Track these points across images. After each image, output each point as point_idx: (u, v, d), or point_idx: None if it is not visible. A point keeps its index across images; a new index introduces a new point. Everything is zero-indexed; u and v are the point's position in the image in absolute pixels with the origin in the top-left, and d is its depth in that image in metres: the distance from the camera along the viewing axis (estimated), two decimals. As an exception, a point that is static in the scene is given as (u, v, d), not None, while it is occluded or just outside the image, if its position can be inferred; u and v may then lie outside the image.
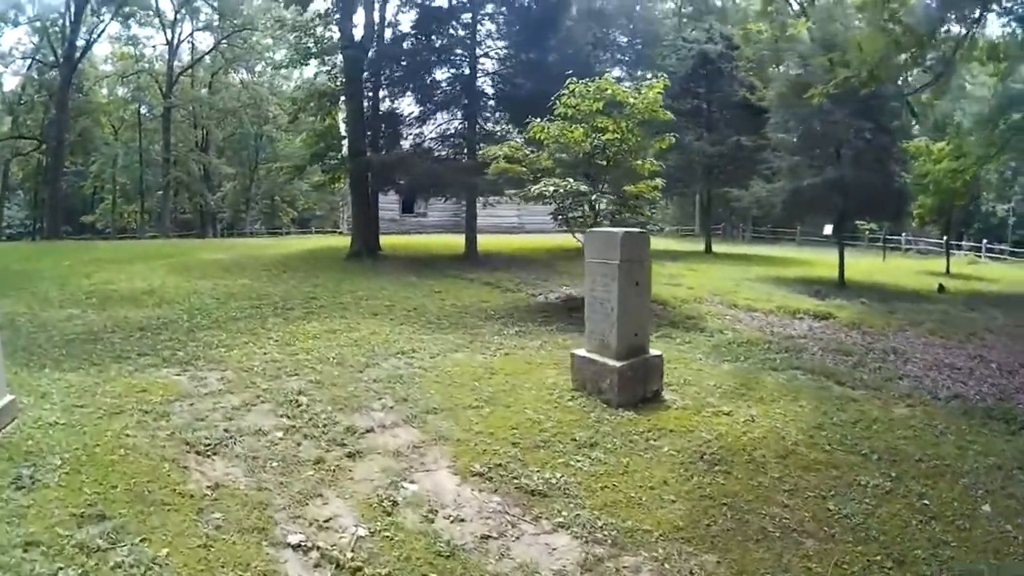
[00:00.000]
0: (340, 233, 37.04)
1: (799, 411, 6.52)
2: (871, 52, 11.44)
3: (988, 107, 19.26)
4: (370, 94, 19.57)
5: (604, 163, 11.39)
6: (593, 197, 10.59)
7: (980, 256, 30.67)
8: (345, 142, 20.92)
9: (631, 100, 10.96)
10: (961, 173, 17.23)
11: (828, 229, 34.68)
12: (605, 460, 5.17)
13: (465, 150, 19.31)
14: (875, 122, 16.82)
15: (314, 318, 9.80)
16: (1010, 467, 5.54)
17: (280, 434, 5.37)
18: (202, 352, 7.61)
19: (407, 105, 19.78)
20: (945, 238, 32.67)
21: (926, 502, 4.84)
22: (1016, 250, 31.83)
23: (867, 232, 34.24)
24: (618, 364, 6.27)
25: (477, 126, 19.39)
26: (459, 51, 19.19)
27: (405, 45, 19.03)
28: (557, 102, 11.33)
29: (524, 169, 11.57)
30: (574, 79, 11.19)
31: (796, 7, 22.86)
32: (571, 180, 10.44)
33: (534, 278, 14.96)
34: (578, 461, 5.13)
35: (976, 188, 20.22)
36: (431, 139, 19.38)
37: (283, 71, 41.57)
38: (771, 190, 18.71)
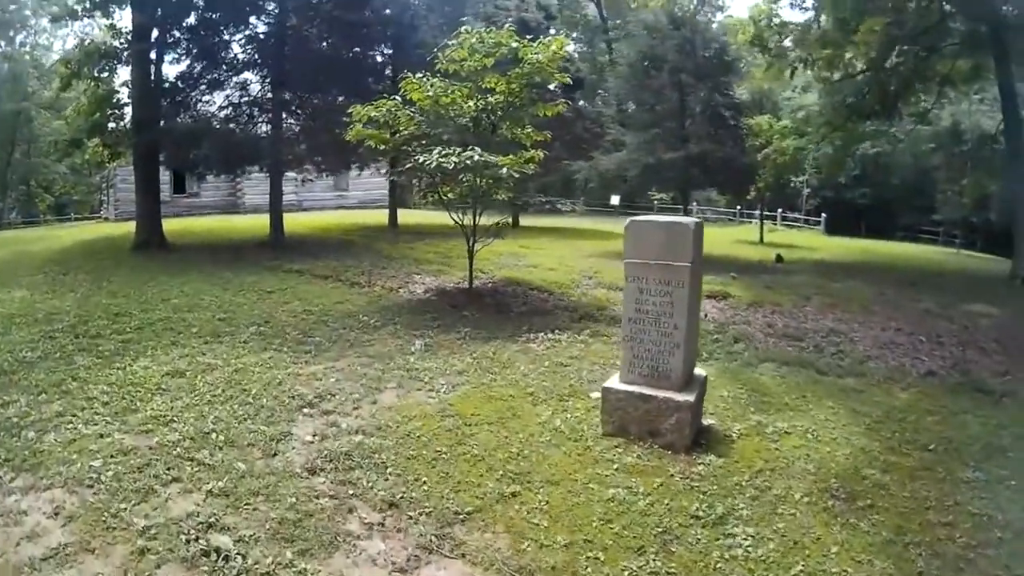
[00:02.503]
0: (104, 219, 35.09)
1: (834, 413, 6.59)
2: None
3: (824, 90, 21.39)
4: (162, 54, 17.91)
5: (489, 130, 10.64)
6: (503, 171, 9.50)
7: (776, 224, 34.49)
8: (128, 111, 18.62)
9: (533, 56, 10.05)
10: (802, 150, 18.70)
11: (615, 200, 37.66)
12: (756, 534, 4.31)
13: (268, 119, 17.80)
14: (723, 98, 18.17)
15: (138, 350, 8.01)
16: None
17: None
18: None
19: (201, 68, 18.05)
20: (739, 207, 36.73)
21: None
22: (810, 218, 36.95)
23: (657, 201, 37.17)
24: (683, 398, 5.42)
25: (287, 94, 17.73)
26: (263, 3, 17.75)
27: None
28: (438, 56, 10.48)
29: (388, 137, 10.58)
30: (467, 28, 10.37)
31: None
32: (476, 149, 9.36)
33: (371, 266, 13.91)
34: (733, 548, 4.17)
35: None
36: (228, 107, 18.12)
37: (45, 40, 40.88)
38: (620, 162, 19.13)
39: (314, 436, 5.60)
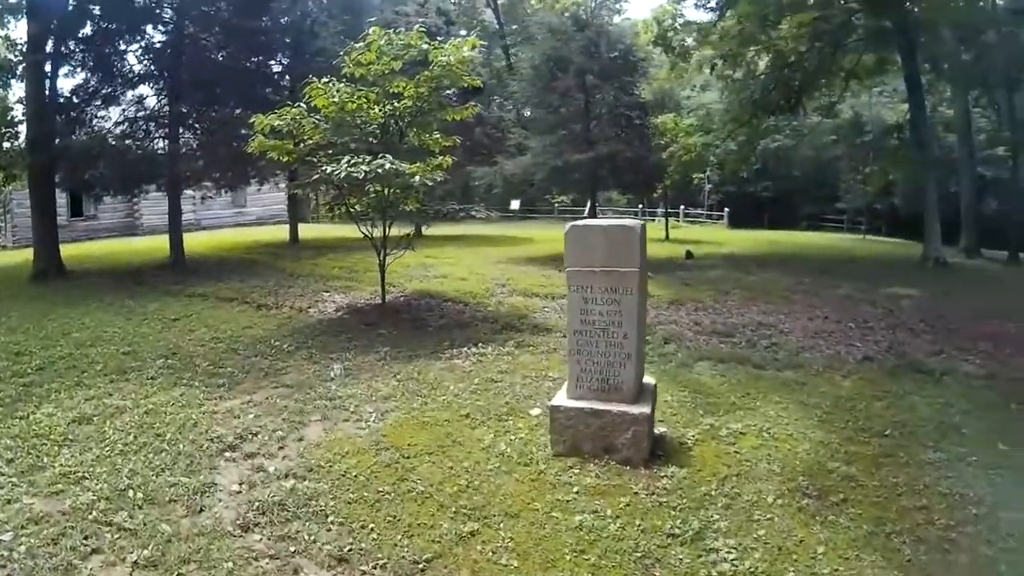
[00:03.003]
0: (2, 247, 31.47)
1: (783, 408, 6.54)
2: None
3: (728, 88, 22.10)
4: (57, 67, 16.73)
5: (396, 137, 10.33)
6: (415, 179, 9.12)
7: (679, 220, 35.35)
8: (23, 128, 17.37)
9: (444, 58, 9.75)
10: (710, 147, 19.19)
11: (515, 204, 38.00)
12: (739, 546, 4.09)
13: (165, 134, 17.09)
14: (629, 98, 18.41)
15: (41, 394, 7.22)
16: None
17: None
18: None
19: (97, 81, 16.94)
20: (641, 206, 37.45)
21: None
22: (712, 213, 38.28)
23: (558, 204, 37.68)
24: (638, 411, 5.17)
25: (184, 107, 16.85)
26: (159, 12, 16.82)
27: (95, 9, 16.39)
28: (344, 59, 10.09)
29: (291, 147, 10.10)
30: (377, 28, 9.97)
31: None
32: (387, 157, 8.97)
33: (277, 286, 13.27)
34: (719, 564, 3.92)
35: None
36: (124, 122, 17.11)
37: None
38: (526, 166, 19.04)
39: (241, 485, 5.02)
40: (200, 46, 17.45)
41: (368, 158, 8.99)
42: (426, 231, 23.45)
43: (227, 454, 5.59)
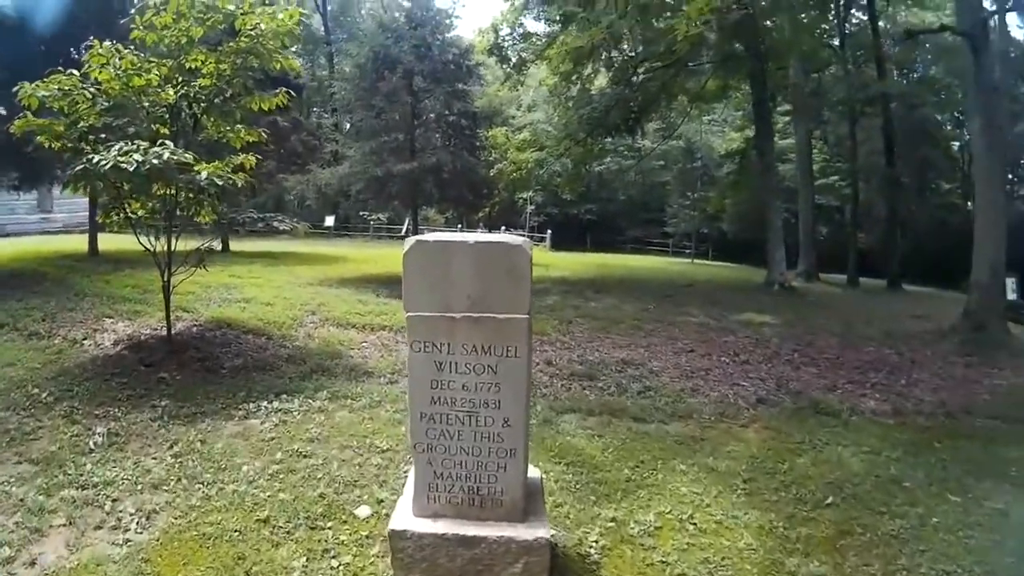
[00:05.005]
0: None
1: (696, 481, 5.12)
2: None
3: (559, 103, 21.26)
4: None
5: (190, 124, 8.05)
6: (202, 176, 6.91)
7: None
8: None
9: (253, 26, 7.66)
10: (543, 163, 18.40)
11: (330, 220, 36.32)
12: None
13: None
14: (461, 104, 17.14)
15: None
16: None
17: None
18: None
19: None
20: (460, 226, 36.54)
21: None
22: (534, 234, 37.69)
23: (374, 221, 36.35)
24: (532, 534, 3.37)
25: None
26: None
27: None
28: (134, 19, 7.73)
29: (62, 129, 7.51)
30: None
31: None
32: (168, 145, 6.71)
33: (58, 308, 10.15)
34: None
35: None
36: None
37: None
38: (342, 176, 17.08)
39: None
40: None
41: (144, 145, 6.67)
42: (235, 247, 20.80)
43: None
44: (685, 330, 10.98)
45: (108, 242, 19.13)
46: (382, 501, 4.45)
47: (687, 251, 32.47)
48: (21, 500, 4.42)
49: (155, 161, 6.38)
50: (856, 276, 22.72)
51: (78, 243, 18.16)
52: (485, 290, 3.32)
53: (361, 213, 32.58)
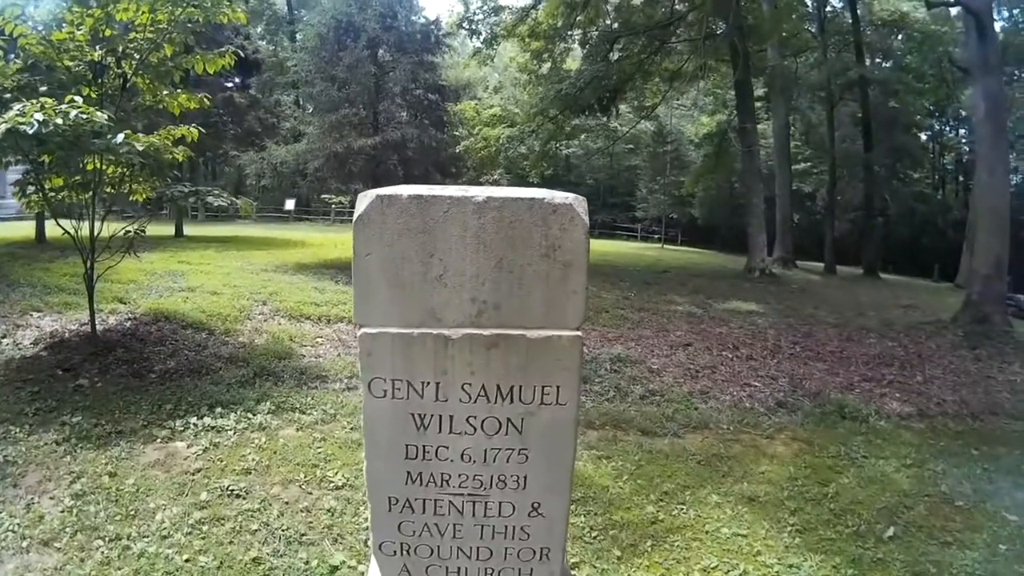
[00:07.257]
0: None
1: (736, 518, 4.22)
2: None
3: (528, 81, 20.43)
4: None
5: (119, 85, 6.76)
6: (118, 141, 5.73)
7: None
8: None
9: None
10: (512, 140, 17.34)
11: (290, 204, 35.41)
12: None
13: None
14: (428, 75, 16.07)
15: None
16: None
17: None
18: None
19: None
20: None
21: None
22: None
23: (335, 205, 35.44)
24: None
25: None
26: None
27: None
28: None
29: None
30: None
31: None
32: (76, 101, 5.52)
33: None
34: None
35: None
36: None
37: None
38: (300, 153, 15.89)
39: None
40: None
41: (51, 103, 5.46)
42: (190, 231, 19.37)
43: None
44: (674, 320, 10.21)
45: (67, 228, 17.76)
46: (337, 569, 3.37)
47: (656, 236, 31.82)
48: None
49: (59, 121, 5.21)
50: (833, 263, 22.46)
51: (29, 230, 16.73)
52: (503, 288, 1.84)
53: (322, 196, 31.19)
